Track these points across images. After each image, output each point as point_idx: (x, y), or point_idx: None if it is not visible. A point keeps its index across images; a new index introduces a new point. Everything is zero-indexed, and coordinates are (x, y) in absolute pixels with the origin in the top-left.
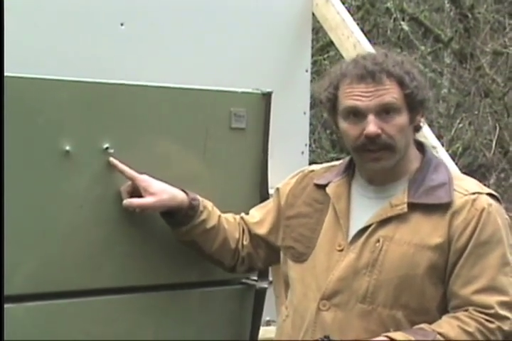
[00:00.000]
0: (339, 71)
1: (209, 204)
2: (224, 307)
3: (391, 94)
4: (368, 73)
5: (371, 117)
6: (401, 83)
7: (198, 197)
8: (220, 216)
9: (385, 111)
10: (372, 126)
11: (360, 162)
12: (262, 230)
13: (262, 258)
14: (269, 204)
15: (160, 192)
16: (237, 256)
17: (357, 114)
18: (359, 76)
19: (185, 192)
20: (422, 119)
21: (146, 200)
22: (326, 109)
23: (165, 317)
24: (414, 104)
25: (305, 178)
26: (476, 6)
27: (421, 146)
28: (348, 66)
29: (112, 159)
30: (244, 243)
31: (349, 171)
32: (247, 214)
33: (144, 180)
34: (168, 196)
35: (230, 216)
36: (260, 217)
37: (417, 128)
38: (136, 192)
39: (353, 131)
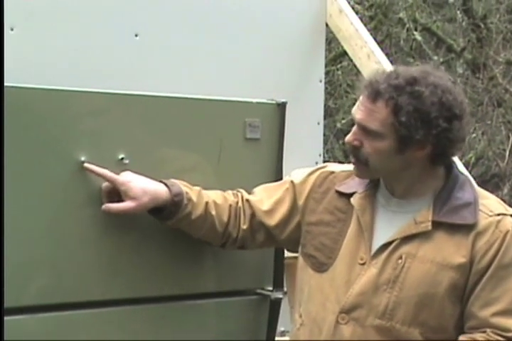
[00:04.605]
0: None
1: (194, 195)
2: (239, 318)
3: (376, 118)
4: (371, 89)
5: (355, 128)
6: (395, 112)
7: (182, 189)
8: (207, 203)
9: (365, 130)
10: (349, 135)
11: None
12: (269, 221)
13: (257, 243)
14: (279, 194)
15: (140, 195)
16: (226, 238)
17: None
18: (365, 87)
19: (168, 186)
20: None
21: (126, 205)
22: None
23: (179, 327)
24: (404, 137)
25: (325, 181)
26: (489, 16)
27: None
28: (371, 75)
29: (86, 164)
30: (243, 227)
31: (375, 181)
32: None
33: (123, 183)
34: (149, 198)
35: (219, 197)
36: (270, 206)
37: (434, 161)
38: (116, 192)
39: (347, 137)
